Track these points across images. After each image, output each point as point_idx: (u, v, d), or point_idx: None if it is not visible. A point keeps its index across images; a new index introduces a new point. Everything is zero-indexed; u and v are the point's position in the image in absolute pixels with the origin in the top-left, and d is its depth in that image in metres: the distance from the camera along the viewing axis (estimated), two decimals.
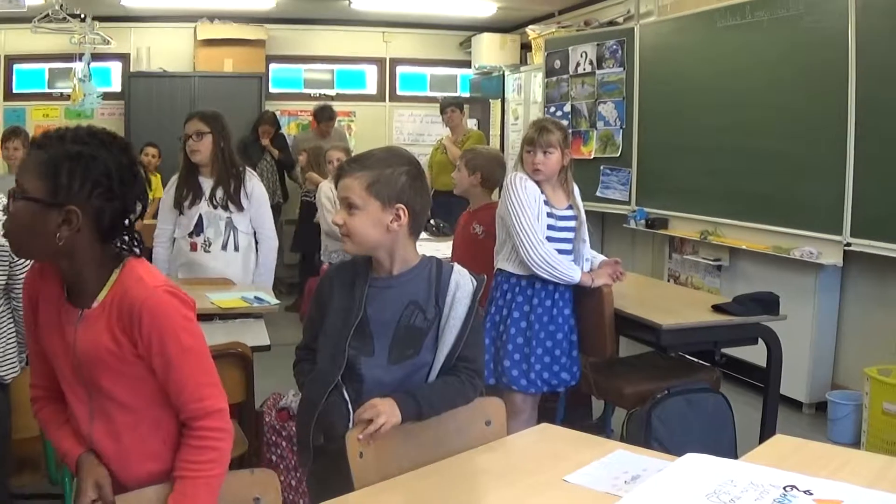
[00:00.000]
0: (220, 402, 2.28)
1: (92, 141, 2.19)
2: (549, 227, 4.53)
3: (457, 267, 2.84)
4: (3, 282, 3.51)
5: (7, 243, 3.50)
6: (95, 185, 2.15)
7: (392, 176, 2.69)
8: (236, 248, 5.20)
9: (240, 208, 5.14)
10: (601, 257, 4.80)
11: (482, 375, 2.86)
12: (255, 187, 5.26)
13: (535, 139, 4.51)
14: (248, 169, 5.30)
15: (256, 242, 5.34)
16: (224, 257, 5.17)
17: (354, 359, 2.70)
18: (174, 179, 5.21)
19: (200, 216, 5.10)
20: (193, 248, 5.13)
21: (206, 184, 5.11)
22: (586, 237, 4.70)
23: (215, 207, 5.10)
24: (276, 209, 10.17)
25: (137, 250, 2.33)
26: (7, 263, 3.50)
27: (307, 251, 9.05)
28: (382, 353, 2.72)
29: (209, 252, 5.13)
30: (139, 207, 2.30)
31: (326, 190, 7.24)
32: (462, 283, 2.78)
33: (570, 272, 4.50)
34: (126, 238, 2.30)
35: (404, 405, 2.59)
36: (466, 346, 2.75)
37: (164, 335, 2.20)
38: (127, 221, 2.28)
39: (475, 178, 5.27)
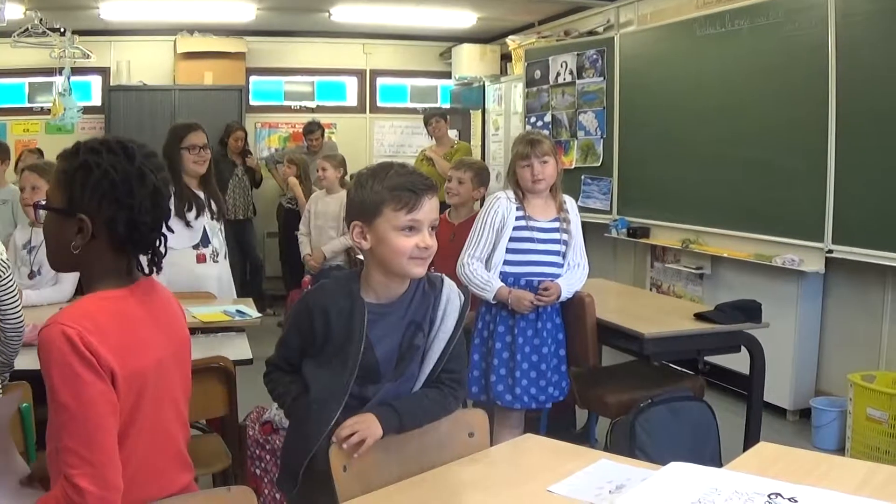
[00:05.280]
0: (82, 480, 1.98)
1: (101, 150, 2.17)
2: (528, 240, 4.56)
3: (447, 280, 2.80)
4: None
5: None
6: (102, 194, 2.14)
7: None
8: (226, 258, 5.24)
9: (224, 220, 5.18)
10: (583, 268, 4.75)
11: (464, 385, 2.85)
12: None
13: (530, 152, 4.51)
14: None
15: None
16: (226, 267, 5.24)
17: (361, 388, 2.66)
18: None
19: (205, 227, 5.08)
20: (201, 259, 5.09)
21: (201, 195, 5.11)
22: (576, 245, 4.69)
23: (212, 218, 5.11)
24: (249, 223, 10.20)
25: (153, 269, 2.31)
26: None
27: (293, 260, 8.96)
28: (387, 376, 2.70)
29: (217, 262, 5.15)
30: (153, 217, 2.22)
31: (322, 200, 7.29)
32: (452, 297, 2.75)
33: (483, 291, 4.54)
34: (148, 253, 2.28)
35: (385, 419, 2.57)
36: (451, 358, 2.73)
37: (46, 378, 2.04)
38: (146, 233, 2.23)
39: (478, 193, 5.37)
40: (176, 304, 2.45)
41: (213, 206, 5.13)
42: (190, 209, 5.01)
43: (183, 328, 2.44)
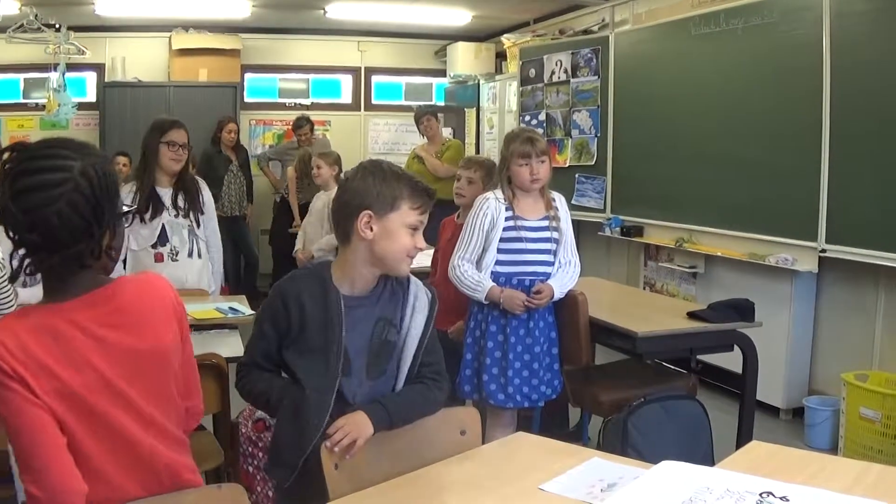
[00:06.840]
0: (31, 486, 2.00)
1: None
2: (518, 240, 4.54)
3: (413, 279, 2.85)
4: None
5: None
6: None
7: None
8: (199, 256, 5.18)
9: (200, 214, 5.13)
10: (575, 266, 4.73)
11: (445, 376, 2.89)
12: (207, 195, 5.31)
13: (531, 151, 4.49)
14: (197, 178, 5.33)
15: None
16: (191, 265, 5.13)
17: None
18: (129, 189, 4.95)
19: (163, 225, 5.04)
20: (159, 258, 5.03)
21: (165, 193, 5.07)
22: (566, 243, 4.67)
23: (177, 216, 5.06)
24: (244, 219, 10.16)
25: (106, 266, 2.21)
26: None
27: (285, 252, 8.87)
28: (360, 372, 2.72)
29: (177, 261, 5.05)
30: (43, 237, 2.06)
31: (325, 200, 7.19)
32: (419, 294, 2.82)
33: (475, 292, 4.54)
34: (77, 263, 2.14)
35: (375, 415, 2.60)
36: (426, 352, 2.79)
37: None
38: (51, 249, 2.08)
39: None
40: (148, 306, 2.26)
41: (181, 203, 5.10)
42: (147, 209, 4.98)
43: (155, 331, 2.25)
